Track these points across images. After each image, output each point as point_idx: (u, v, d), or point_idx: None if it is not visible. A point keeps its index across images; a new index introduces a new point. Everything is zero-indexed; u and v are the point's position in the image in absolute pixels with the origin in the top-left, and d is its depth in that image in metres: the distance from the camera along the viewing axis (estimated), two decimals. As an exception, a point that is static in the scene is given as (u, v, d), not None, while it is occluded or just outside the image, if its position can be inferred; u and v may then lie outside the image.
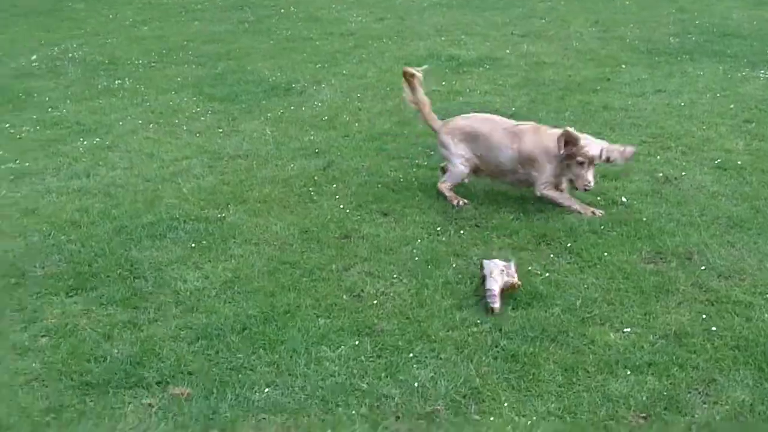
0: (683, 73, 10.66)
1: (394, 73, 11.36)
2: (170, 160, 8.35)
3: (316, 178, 7.69)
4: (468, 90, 10.42)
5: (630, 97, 9.72)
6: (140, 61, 12.64)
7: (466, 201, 6.96)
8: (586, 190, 6.60)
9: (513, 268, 5.45)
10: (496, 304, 5.22)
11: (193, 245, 6.37)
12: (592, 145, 6.54)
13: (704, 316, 5.11)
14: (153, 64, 12.51)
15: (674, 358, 4.72)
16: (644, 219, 6.39)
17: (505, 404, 4.41)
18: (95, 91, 11.16)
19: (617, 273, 5.65)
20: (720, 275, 5.60)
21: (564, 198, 6.78)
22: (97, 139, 9.06)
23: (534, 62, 11.62)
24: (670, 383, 4.50)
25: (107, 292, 5.71)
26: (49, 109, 10.37)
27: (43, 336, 5.27)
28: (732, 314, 5.12)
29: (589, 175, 6.54)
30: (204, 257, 6.18)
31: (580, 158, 6.50)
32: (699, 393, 4.43)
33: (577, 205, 6.68)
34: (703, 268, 5.67)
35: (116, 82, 11.50)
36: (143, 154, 8.54)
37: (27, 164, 8.39)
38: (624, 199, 6.81)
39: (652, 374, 4.59)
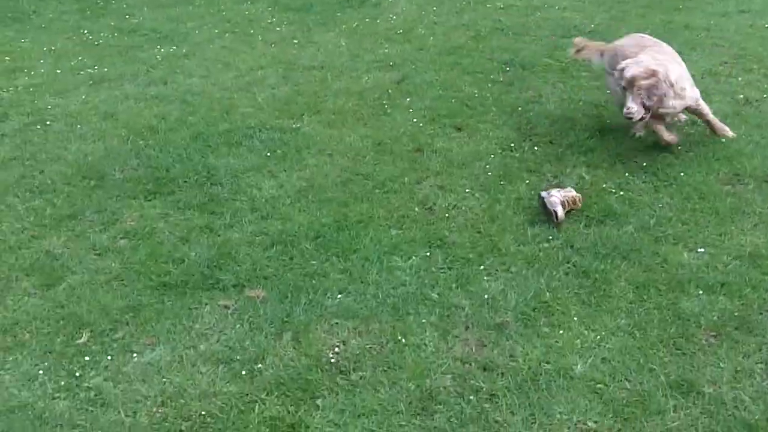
0: (769, -7, 10.29)
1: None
2: (246, 69, 8.41)
3: (390, 91, 7.68)
4: (546, 6, 10.21)
5: (712, 16, 9.43)
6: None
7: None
8: (627, 118, 5.81)
9: (570, 187, 5.43)
10: (559, 209, 5.21)
11: (268, 154, 6.45)
12: (631, 66, 5.80)
13: (781, 238, 5.06)
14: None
15: (747, 279, 4.67)
16: (722, 140, 6.26)
17: (575, 318, 4.44)
18: (172, -2, 11.23)
19: (693, 193, 5.58)
20: (801, 197, 5.50)
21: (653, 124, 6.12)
22: (174, 47, 9.15)
23: (615, -22, 11.32)
24: (742, 304, 4.48)
25: (185, 197, 5.84)
26: (127, 16, 10.48)
27: (122, 238, 5.43)
28: (812, 237, 5.06)
29: (629, 101, 5.73)
30: (279, 166, 6.26)
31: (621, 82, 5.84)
32: (772, 315, 4.42)
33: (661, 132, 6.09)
34: (783, 189, 5.58)
35: (192, -10, 11.53)
36: (219, 63, 8.61)
37: (105, 70, 8.53)
38: (703, 120, 6.67)
39: (725, 294, 4.56)
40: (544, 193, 5.33)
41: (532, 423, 3.75)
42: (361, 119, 7.09)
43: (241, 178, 6.08)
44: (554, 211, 5.21)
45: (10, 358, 4.33)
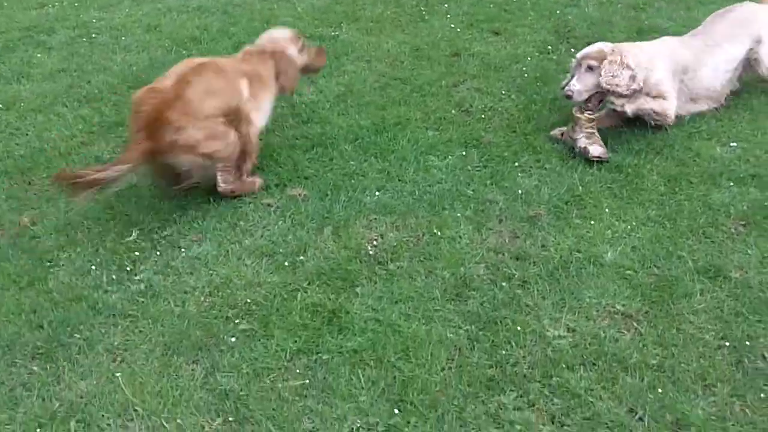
0: None
1: None
2: (286, -21, 8.46)
3: (428, -3, 7.70)
4: None
5: None
6: None
7: None
8: (566, 97, 5.23)
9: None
10: (592, 149, 4.99)
11: (308, 61, 6.54)
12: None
13: (815, 132, 5.09)
14: None
15: (779, 170, 4.76)
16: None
17: (607, 210, 4.55)
18: None
19: (728, 91, 5.60)
20: (835, 92, 5.51)
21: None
22: (214, -40, 9.19)
23: None
24: (773, 195, 4.57)
25: (227, 104, 5.96)
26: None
27: (168, 144, 5.58)
28: None
29: (573, 79, 5.22)
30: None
31: None
32: (802, 203, 4.49)
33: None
34: (819, 86, 5.58)
35: None
36: (259, -25, 8.65)
37: (147, -16, 8.63)
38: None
39: (755, 186, 4.64)
40: (570, 141, 5.17)
41: (562, 306, 3.89)
42: (399, 26, 7.14)
43: (282, 85, 6.19)
44: (597, 157, 4.97)
45: (64, 255, 4.51)
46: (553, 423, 3.31)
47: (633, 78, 5.02)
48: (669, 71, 5.21)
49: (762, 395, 3.35)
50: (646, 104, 5.13)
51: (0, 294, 4.21)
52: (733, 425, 3.24)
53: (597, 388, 3.44)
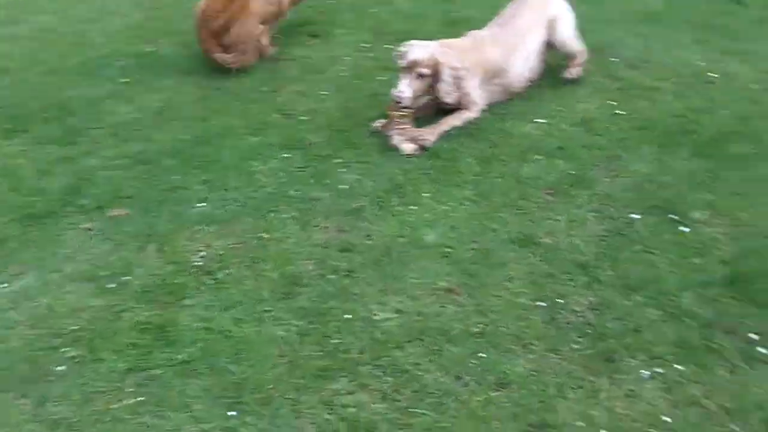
0: None
1: None
2: (98, 1, 8.31)
3: (244, 7, 7.69)
4: None
5: None
6: None
7: None
8: (396, 102, 5.24)
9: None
10: (404, 146, 5.14)
11: (126, 80, 6.46)
12: (416, 48, 5.29)
13: (613, 103, 5.37)
14: None
15: (581, 141, 5.00)
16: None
17: (426, 195, 4.68)
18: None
19: (532, 70, 5.83)
20: (630, 65, 5.82)
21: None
22: (23, -13, 8.96)
23: None
24: (578, 164, 4.80)
25: (43, 132, 5.81)
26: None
27: (-20, 179, 5.40)
28: (638, 99, 5.39)
29: (401, 83, 5.22)
30: (136, 90, 6.28)
31: None
32: (602, 169, 4.75)
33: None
34: (614, 59, 5.88)
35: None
36: (71, -1, 8.49)
37: (-49, 19, 8.32)
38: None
39: (561, 158, 4.88)
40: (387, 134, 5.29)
41: (388, 290, 3.98)
42: (218, 37, 7.12)
43: (99, 106, 6.08)
44: (409, 155, 5.11)
45: None
46: (384, 400, 3.38)
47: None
48: (478, 82, 5.40)
49: (574, 346, 3.53)
50: (452, 120, 5.34)
51: None
52: (551, 378, 3.39)
53: (424, 361, 3.53)
